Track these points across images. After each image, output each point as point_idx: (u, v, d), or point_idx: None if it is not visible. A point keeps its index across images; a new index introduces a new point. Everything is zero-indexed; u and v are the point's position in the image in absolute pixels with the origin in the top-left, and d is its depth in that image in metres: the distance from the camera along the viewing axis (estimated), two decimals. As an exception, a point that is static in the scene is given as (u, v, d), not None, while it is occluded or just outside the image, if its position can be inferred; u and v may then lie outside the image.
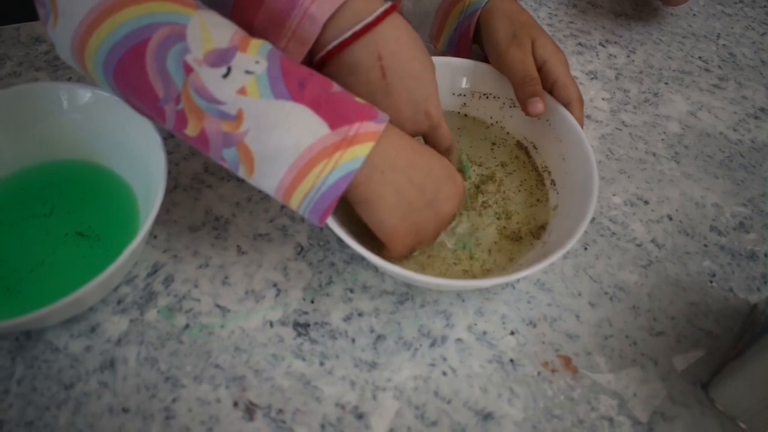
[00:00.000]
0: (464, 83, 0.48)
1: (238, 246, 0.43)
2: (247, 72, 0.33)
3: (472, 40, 0.50)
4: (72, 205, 0.42)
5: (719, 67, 0.60)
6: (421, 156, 0.37)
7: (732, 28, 0.65)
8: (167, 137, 0.48)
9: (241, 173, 0.35)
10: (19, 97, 0.41)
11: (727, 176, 0.51)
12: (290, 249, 0.43)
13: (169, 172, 0.46)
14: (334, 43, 0.37)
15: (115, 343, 0.38)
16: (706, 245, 0.46)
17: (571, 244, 0.36)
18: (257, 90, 0.33)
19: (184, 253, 0.42)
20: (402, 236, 0.36)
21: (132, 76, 0.34)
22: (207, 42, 0.33)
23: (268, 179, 0.34)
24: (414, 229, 0.37)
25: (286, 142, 0.33)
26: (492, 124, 0.49)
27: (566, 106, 0.45)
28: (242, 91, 0.33)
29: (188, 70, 0.33)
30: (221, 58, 0.33)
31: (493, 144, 0.48)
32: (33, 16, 0.59)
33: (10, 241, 0.40)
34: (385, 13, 0.38)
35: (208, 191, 0.45)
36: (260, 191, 0.46)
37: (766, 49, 0.63)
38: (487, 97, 0.48)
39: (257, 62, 0.33)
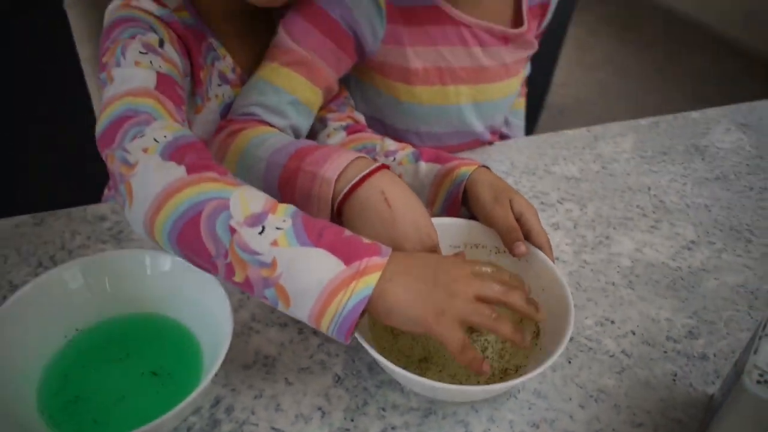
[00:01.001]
0: (459, 237, 0.60)
1: (285, 378, 0.52)
2: (277, 228, 0.45)
3: (460, 204, 0.63)
4: (145, 350, 0.51)
5: (653, 212, 0.74)
6: (416, 258, 0.47)
7: (659, 181, 0.80)
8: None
9: (280, 307, 0.46)
10: (112, 261, 0.52)
11: (673, 296, 0.63)
12: (329, 378, 0.52)
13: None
14: (347, 188, 0.51)
15: (195, 463, 0.45)
16: (665, 351, 0.56)
17: (558, 353, 0.46)
18: (286, 241, 0.44)
19: (240, 387, 0.51)
20: (435, 320, 0.44)
21: (191, 240, 0.46)
22: (245, 209, 0.45)
23: (301, 310, 0.45)
24: (439, 308, 0.44)
25: (312, 279, 0.44)
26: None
27: (539, 248, 0.57)
28: (274, 243, 0.44)
29: (232, 231, 0.45)
30: (257, 220, 0.45)
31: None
32: (96, 200, 0.72)
33: (95, 381, 0.49)
34: (382, 166, 0.52)
35: (257, 336, 0.55)
36: (299, 334, 0.55)
37: (688, 195, 0.78)
38: (477, 247, 0.60)
39: (284, 221, 0.45)
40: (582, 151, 0.85)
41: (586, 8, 4.29)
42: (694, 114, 0.96)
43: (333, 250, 0.44)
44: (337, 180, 0.53)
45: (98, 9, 0.89)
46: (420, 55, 0.73)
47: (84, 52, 0.88)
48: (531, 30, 0.80)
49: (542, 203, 0.75)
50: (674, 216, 0.74)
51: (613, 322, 0.59)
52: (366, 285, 0.44)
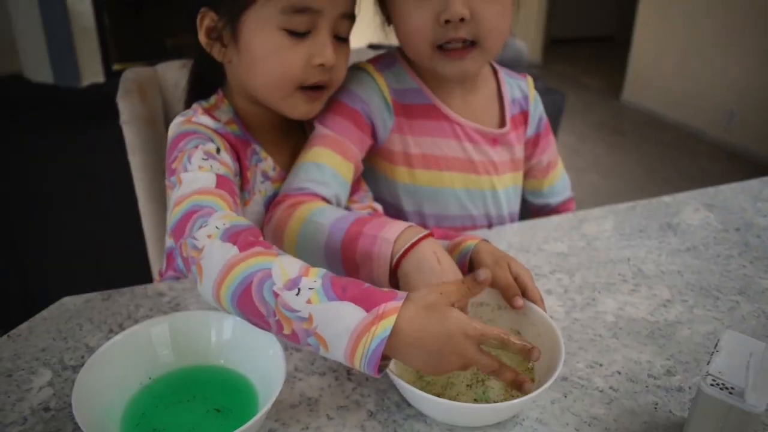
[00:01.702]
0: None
1: (327, 414, 0.61)
2: (310, 288, 0.57)
3: (467, 271, 0.75)
4: (209, 393, 0.61)
5: (633, 278, 0.86)
6: (427, 327, 0.56)
7: (637, 253, 0.92)
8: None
9: (322, 351, 0.57)
10: (181, 320, 0.63)
11: (652, 343, 0.73)
12: (364, 413, 0.61)
13: (270, 373, 0.66)
14: (406, 245, 0.64)
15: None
16: (647, 386, 0.66)
17: (554, 377, 0.57)
18: (317, 298, 0.56)
19: (290, 421, 0.60)
20: (434, 371, 0.56)
21: (247, 305, 0.59)
22: (284, 276, 0.58)
23: (337, 352, 0.56)
24: (440, 366, 0.56)
25: (342, 327, 0.55)
26: (487, 321, 0.71)
27: (533, 303, 0.68)
28: (309, 301, 0.56)
29: (276, 295, 0.57)
30: (294, 284, 0.57)
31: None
32: (145, 281, 0.83)
33: (168, 416, 0.58)
34: (431, 233, 0.66)
35: (300, 382, 0.65)
36: (336, 380, 0.65)
37: (663, 264, 0.89)
38: (482, 305, 0.72)
39: (315, 281, 0.57)
40: (569, 232, 0.98)
41: (574, 117, 4.59)
42: (666, 198, 1.10)
43: (356, 301, 0.56)
44: (395, 241, 0.66)
45: (148, 125, 1.05)
46: (419, 143, 0.89)
47: (134, 160, 1.02)
48: (513, 133, 0.96)
49: (536, 274, 0.86)
50: (651, 281, 0.86)
51: (601, 364, 0.69)
52: (384, 328, 0.54)
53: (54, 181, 1.73)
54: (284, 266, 0.59)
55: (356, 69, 0.90)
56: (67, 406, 0.61)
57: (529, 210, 1.12)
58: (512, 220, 1.07)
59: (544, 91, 2.49)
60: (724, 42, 4.02)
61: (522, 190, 1.07)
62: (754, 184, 1.17)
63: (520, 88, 1.01)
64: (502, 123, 0.96)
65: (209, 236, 0.62)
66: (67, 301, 0.76)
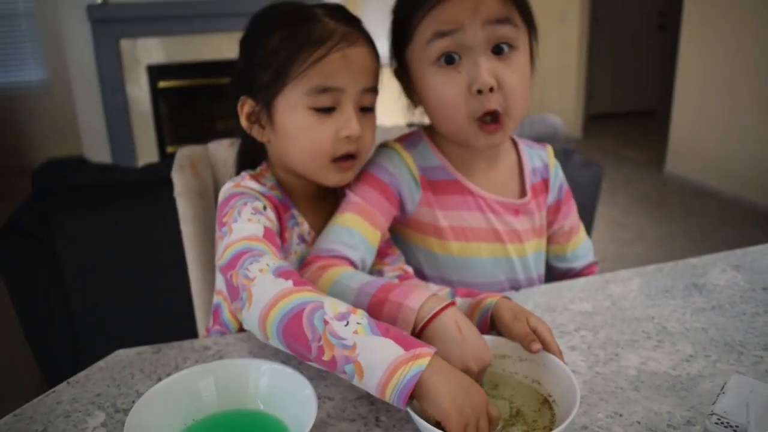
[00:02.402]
0: (492, 349, 0.75)
1: (355, 457, 0.65)
2: (357, 323, 0.64)
3: (489, 327, 0.79)
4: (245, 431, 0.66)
5: (657, 335, 0.88)
6: (457, 371, 0.64)
7: (662, 312, 0.95)
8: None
9: (355, 380, 0.63)
10: (223, 368, 0.69)
11: (673, 395, 0.75)
12: (389, 456, 0.65)
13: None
14: (429, 315, 0.70)
15: None
16: (666, 436, 0.68)
17: (572, 416, 0.60)
18: (364, 331, 0.63)
19: (320, 463, 0.64)
20: (455, 417, 0.60)
21: (294, 329, 0.66)
22: (335, 309, 0.65)
23: (372, 381, 0.62)
24: (461, 410, 0.60)
25: (381, 358, 0.62)
26: (509, 372, 0.75)
27: (552, 354, 0.72)
28: (355, 332, 0.63)
29: (326, 323, 0.64)
30: (343, 317, 0.64)
31: (513, 385, 0.74)
32: (192, 337, 0.90)
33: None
34: (452, 303, 0.71)
35: (331, 427, 0.69)
36: (365, 426, 0.69)
37: (688, 321, 0.91)
38: (504, 357, 0.76)
39: (362, 318, 0.65)
40: (595, 293, 1.01)
41: (616, 190, 4.61)
42: (693, 260, 1.12)
43: (397, 340, 0.63)
44: (418, 310, 0.72)
45: (199, 198, 1.15)
46: (447, 216, 0.96)
47: (186, 229, 1.11)
48: (533, 202, 1.02)
49: (561, 332, 0.89)
50: (675, 337, 0.88)
51: (621, 415, 0.72)
52: (419, 366, 0.61)
53: (112, 249, 1.86)
54: (334, 303, 0.67)
55: (385, 147, 0.99)
56: (119, 445, 0.66)
57: (554, 275, 1.16)
58: (540, 283, 1.11)
59: (582, 165, 2.55)
60: (766, 109, 4.03)
61: (546, 256, 1.11)
62: (784, 245, 1.19)
63: (540, 157, 1.07)
64: (522, 193, 1.02)
65: (261, 270, 0.71)
66: (121, 353, 0.83)
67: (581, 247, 1.13)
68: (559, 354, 0.73)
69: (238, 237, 0.77)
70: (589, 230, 2.45)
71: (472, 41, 0.86)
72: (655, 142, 5.63)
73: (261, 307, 0.68)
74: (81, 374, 0.79)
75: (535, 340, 0.72)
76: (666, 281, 1.05)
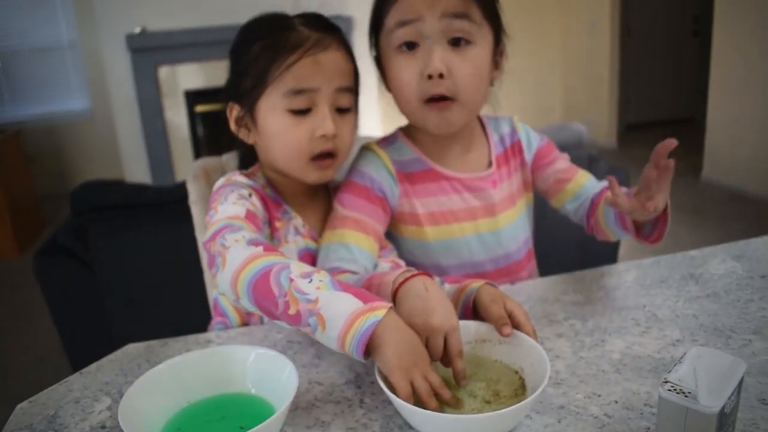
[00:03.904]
0: (471, 334, 0.79)
1: (337, 434, 0.69)
2: (320, 280, 0.70)
3: (472, 311, 0.82)
4: (235, 413, 0.70)
5: (645, 322, 0.90)
6: (409, 330, 0.69)
7: (654, 301, 0.96)
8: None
9: (318, 332, 0.69)
10: (213, 355, 0.74)
11: (653, 377, 0.76)
12: (369, 433, 0.69)
13: (294, 402, 0.74)
14: (402, 279, 0.76)
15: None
16: (641, 413, 0.70)
17: (542, 387, 0.63)
18: (325, 287, 0.69)
19: (304, 440, 0.68)
20: (398, 370, 0.65)
21: (262, 287, 0.72)
22: (300, 269, 0.72)
23: (333, 332, 0.67)
24: (405, 367, 0.66)
25: (341, 310, 0.68)
26: (489, 355, 0.78)
27: (527, 335, 0.75)
28: (318, 288, 0.69)
29: (291, 280, 0.70)
30: (307, 275, 0.71)
31: (493, 367, 0.77)
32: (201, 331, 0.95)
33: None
34: (428, 273, 0.76)
35: (317, 409, 0.73)
36: (349, 408, 0.73)
37: (679, 309, 0.93)
38: (484, 341, 0.79)
39: (324, 276, 0.71)
40: (589, 285, 1.03)
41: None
42: (693, 252, 1.13)
43: (357, 295, 0.69)
44: (394, 280, 0.78)
45: (212, 206, 1.20)
46: (424, 204, 1.01)
47: (200, 236, 1.17)
48: (504, 167, 1.09)
49: (550, 321, 0.92)
50: (663, 323, 0.89)
51: (599, 395, 0.73)
52: (375, 316, 0.67)
53: (147, 264, 1.96)
54: (300, 264, 0.74)
55: (363, 149, 1.07)
56: (120, 425, 0.72)
57: (582, 222, 1.09)
58: (527, 248, 1.13)
59: (607, 171, 2.53)
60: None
61: (568, 212, 1.10)
62: (790, 236, 1.18)
63: (505, 125, 1.13)
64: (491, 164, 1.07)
65: (236, 240, 0.78)
66: (131, 346, 0.89)
67: (588, 183, 1.09)
68: (533, 335, 0.76)
69: (221, 217, 0.84)
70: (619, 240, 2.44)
71: (429, 31, 0.93)
72: (692, 149, 5.52)
73: (233, 270, 0.74)
74: (93, 365, 0.85)
75: (507, 324, 0.75)
76: (663, 272, 1.06)
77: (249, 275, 0.73)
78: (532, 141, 1.13)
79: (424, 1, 0.92)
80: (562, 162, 1.13)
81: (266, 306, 0.73)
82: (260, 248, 0.75)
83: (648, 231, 0.94)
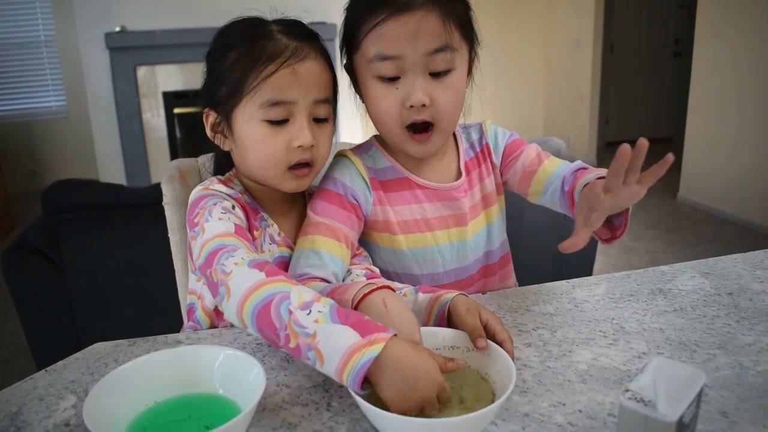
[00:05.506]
0: (441, 341, 0.80)
1: (302, 437, 0.69)
2: (319, 311, 0.68)
3: (446, 321, 0.83)
4: (202, 413, 0.70)
5: (613, 335, 0.91)
6: (410, 360, 0.67)
7: (622, 314, 0.97)
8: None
9: (318, 365, 0.68)
10: (182, 354, 0.73)
11: (618, 387, 0.77)
12: (335, 437, 0.69)
13: (261, 404, 0.74)
14: (360, 295, 0.75)
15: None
16: (605, 423, 0.71)
17: (507, 393, 0.64)
18: (324, 319, 0.68)
19: (269, 442, 0.68)
20: (398, 410, 0.65)
21: (265, 319, 0.71)
22: (300, 299, 0.70)
23: (330, 367, 0.66)
24: (404, 407, 0.66)
25: (339, 345, 0.66)
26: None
27: (501, 344, 0.76)
28: (316, 321, 0.68)
29: (290, 312, 0.69)
30: (307, 306, 0.69)
31: (460, 374, 0.77)
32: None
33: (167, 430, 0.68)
34: (388, 286, 0.75)
35: (284, 411, 0.73)
36: (316, 411, 0.73)
37: (647, 323, 0.94)
38: (453, 348, 0.79)
39: (324, 306, 0.69)
40: (560, 296, 1.04)
41: (630, 216, 4.58)
42: (663, 267, 1.14)
43: (355, 327, 0.68)
44: (352, 297, 0.78)
45: (186, 207, 1.20)
46: (398, 212, 1.01)
47: (173, 237, 1.16)
48: (474, 172, 1.09)
49: (519, 331, 0.93)
50: (630, 336, 0.90)
51: (564, 404, 0.74)
52: (372, 352, 0.66)
53: (117, 265, 1.94)
54: (301, 292, 0.72)
55: (338, 156, 1.06)
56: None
57: (566, 203, 1.03)
58: (503, 251, 1.14)
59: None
60: (777, 135, 4.02)
61: (545, 202, 1.08)
62: (757, 254, 1.21)
63: (474, 131, 1.13)
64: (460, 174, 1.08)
65: (236, 264, 0.76)
66: (99, 345, 0.89)
67: (559, 166, 1.07)
68: (510, 342, 0.77)
69: (211, 235, 0.82)
70: (594, 254, 2.47)
71: (411, 66, 0.92)
72: (670, 168, 5.60)
73: (237, 301, 0.73)
74: (59, 363, 0.84)
75: (482, 336, 0.76)
76: (632, 286, 1.07)
77: (251, 306, 0.72)
78: (499, 141, 1.12)
79: (407, 38, 0.90)
80: (530, 151, 1.10)
81: (270, 337, 0.72)
82: (263, 274, 0.74)
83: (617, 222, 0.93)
